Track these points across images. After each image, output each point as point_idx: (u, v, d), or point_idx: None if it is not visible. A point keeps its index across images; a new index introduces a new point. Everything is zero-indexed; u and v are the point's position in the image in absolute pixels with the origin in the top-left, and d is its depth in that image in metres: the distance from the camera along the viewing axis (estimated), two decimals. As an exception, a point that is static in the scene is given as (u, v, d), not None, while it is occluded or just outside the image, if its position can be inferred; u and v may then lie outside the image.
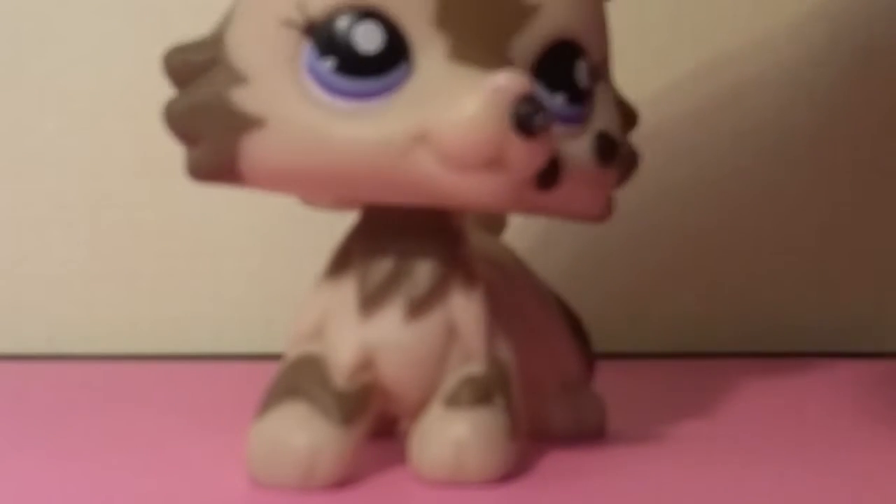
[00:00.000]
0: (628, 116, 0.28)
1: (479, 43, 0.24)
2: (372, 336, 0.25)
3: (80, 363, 0.46)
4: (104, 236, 0.50)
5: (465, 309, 0.25)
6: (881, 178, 0.52)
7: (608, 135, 0.26)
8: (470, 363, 0.25)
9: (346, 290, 0.25)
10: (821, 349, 0.51)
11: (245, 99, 0.24)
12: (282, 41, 0.24)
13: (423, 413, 0.25)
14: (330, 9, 0.24)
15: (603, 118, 0.26)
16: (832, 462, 0.28)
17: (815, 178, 0.52)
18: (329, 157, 0.24)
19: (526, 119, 0.22)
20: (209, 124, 0.24)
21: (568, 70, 0.25)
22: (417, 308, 0.25)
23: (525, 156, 0.23)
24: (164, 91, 0.25)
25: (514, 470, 0.25)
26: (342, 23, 0.23)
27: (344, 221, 0.27)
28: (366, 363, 0.25)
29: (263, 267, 0.50)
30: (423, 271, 0.25)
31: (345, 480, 0.24)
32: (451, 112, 0.23)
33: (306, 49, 0.24)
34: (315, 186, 0.25)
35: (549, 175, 0.24)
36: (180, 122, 0.25)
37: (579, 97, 0.25)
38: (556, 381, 0.30)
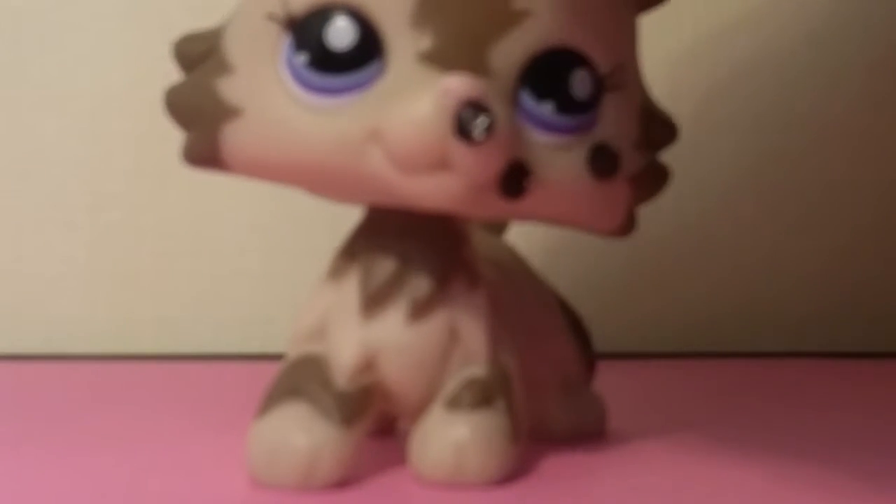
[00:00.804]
0: (663, 130, 0.27)
1: (455, 46, 0.23)
2: (373, 337, 0.25)
3: (80, 363, 0.46)
4: (104, 236, 0.50)
5: (466, 311, 0.25)
6: (882, 177, 0.52)
7: (608, 147, 0.25)
8: (471, 365, 0.25)
9: (348, 291, 0.25)
10: (821, 349, 0.51)
11: (228, 89, 0.24)
12: (265, 35, 0.24)
13: (424, 414, 0.25)
14: (309, 5, 0.24)
15: (610, 129, 0.25)
16: (832, 462, 0.28)
17: (816, 179, 0.52)
18: (296, 151, 0.24)
19: (467, 124, 0.22)
20: (198, 111, 0.25)
21: (562, 79, 0.25)
22: (419, 309, 0.25)
23: (471, 160, 0.23)
24: (170, 85, 0.26)
25: (515, 471, 0.25)
26: (317, 19, 0.24)
27: (345, 222, 0.27)
28: (367, 364, 0.25)
29: (263, 267, 0.50)
30: (426, 273, 0.25)
31: (345, 481, 0.24)
32: (399, 111, 0.23)
33: (286, 43, 0.24)
34: (286, 178, 0.25)
35: (513, 182, 0.24)
36: (176, 107, 0.25)
37: (573, 107, 0.25)
38: (556, 382, 0.30)
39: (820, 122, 0.52)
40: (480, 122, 0.22)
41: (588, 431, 0.30)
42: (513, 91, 0.24)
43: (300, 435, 0.24)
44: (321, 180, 0.25)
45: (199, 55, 0.25)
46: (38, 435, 0.30)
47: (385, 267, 0.25)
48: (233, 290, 0.50)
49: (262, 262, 0.50)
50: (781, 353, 0.50)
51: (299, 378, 0.25)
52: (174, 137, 0.26)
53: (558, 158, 0.24)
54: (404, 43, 0.23)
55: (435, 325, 0.25)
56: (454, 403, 0.25)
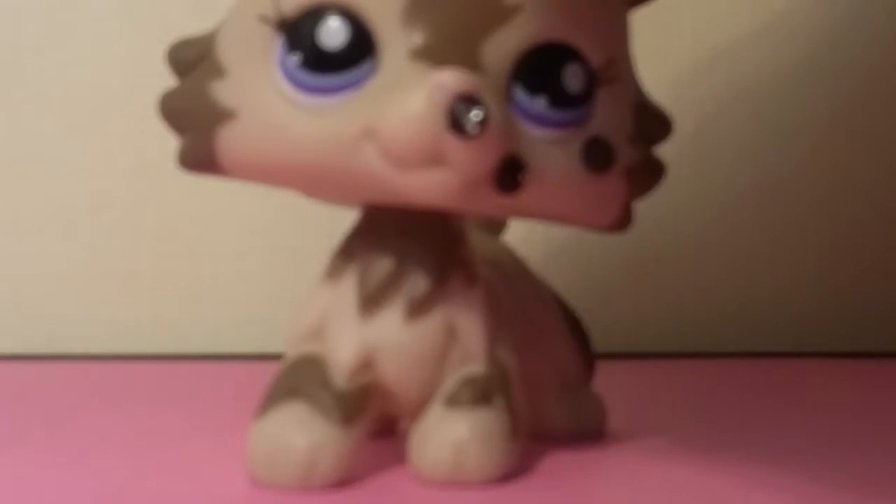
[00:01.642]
0: (657, 124, 0.27)
1: (446, 43, 0.23)
2: (372, 336, 0.25)
3: (80, 363, 0.46)
4: (104, 236, 0.50)
5: (465, 309, 0.25)
6: (883, 177, 0.52)
7: (602, 141, 0.25)
8: (470, 363, 0.25)
9: (347, 291, 0.25)
10: (820, 349, 0.51)
11: (222, 91, 0.25)
12: (258, 37, 0.24)
13: (423, 413, 0.25)
14: (301, 6, 0.24)
15: (604, 124, 0.25)
16: (832, 461, 0.28)
17: (817, 179, 0.52)
18: (291, 152, 0.24)
19: (460, 118, 0.22)
20: (192, 116, 0.25)
21: (554, 74, 0.25)
22: (417, 308, 0.25)
23: (466, 155, 0.23)
24: (164, 91, 0.26)
25: (514, 470, 0.25)
26: (309, 19, 0.24)
27: (344, 222, 0.27)
28: (366, 363, 0.25)
29: (263, 267, 0.50)
30: (423, 272, 0.25)
31: (345, 480, 0.24)
32: (392, 108, 0.23)
33: (279, 45, 0.24)
34: (282, 180, 0.25)
35: (508, 176, 0.24)
36: (170, 112, 0.26)
37: (566, 102, 0.25)
38: (556, 381, 0.30)
39: (818, 122, 0.52)
40: (474, 116, 0.22)
41: (588, 431, 0.30)
42: (505, 86, 0.24)
43: (300, 435, 0.24)
44: (316, 180, 0.25)
45: (193, 60, 0.25)
46: (39, 435, 0.30)
47: (382, 266, 0.25)
48: (233, 290, 0.50)
49: (262, 263, 0.50)
50: (781, 353, 0.51)
51: (298, 378, 0.25)
52: (174, 137, 0.26)
53: (553, 153, 0.24)
54: (396, 41, 0.23)
55: (433, 324, 0.25)
56: (453, 402, 0.25)
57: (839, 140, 0.52)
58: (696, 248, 0.52)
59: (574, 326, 0.31)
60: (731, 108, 0.52)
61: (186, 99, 0.25)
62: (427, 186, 0.23)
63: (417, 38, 0.23)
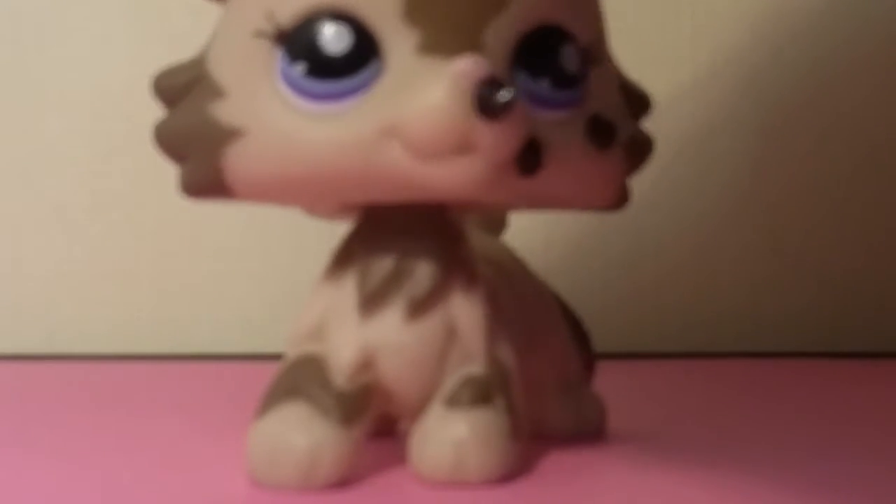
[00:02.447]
0: (639, 101, 0.28)
1: (449, 34, 0.23)
2: (372, 336, 0.25)
3: (80, 363, 0.46)
4: (104, 236, 0.50)
5: (465, 309, 0.25)
6: (882, 177, 0.52)
7: (603, 118, 0.25)
8: (470, 363, 0.25)
9: (347, 291, 0.25)
10: (821, 349, 0.51)
11: (224, 112, 0.24)
12: (255, 52, 0.24)
13: (424, 413, 0.25)
14: (297, 15, 0.24)
15: (600, 102, 0.26)
16: (832, 461, 0.28)
17: (817, 179, 0.52)
18: (306, 161, 0.24)
19: (488, 101, 0.22)
20: (193, 140, 0.25)
21: (552, 55, 0.25)
22: (418, 308, 0.25)
23: (493, 138, 0.23)
24: (157, 121, 0.26)
25: (514, 470, 0.25)
26: (309, 27, 0.24)
27: (344, 222, 0.27)
28: (366, 363, 0.25)
29: (263, 267, 0.50)
30: (424, 272, 0.25)
31: (345, 480, 0.24)
32: (414, 102, 0.23)
33: (279, 57, 0.24)
34: (298, 192, 0.25)
35: (530, 158, 0.24)
36: (168, 141, 0.25)
37: (567, 82, 0.25)
38: (556, 381, 0.30)
39: (820, 122, 0.52)
40: (501, 97, 0.22)
41: (588, 431, 0.30)
42: (509, 71, 0.24)
43: (300, 435, 0.24)
44: (332, 187, 0.24)
45: (183, 87, 0.25)
46: (39, 435, 0.30)
47: (383, 266, 0.25)
48: (233, 290, 0.50)
49: (262, 262, 0.50)
50: (781, 353, 0.51)
51: (299, 378, 0.25)
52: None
53: (561, 133, 0.25)
54: (398, 39, 0.23)
55: (433, 324, 0.25)
56: (453, 402, 0.25)
57: (839, 140, 0.52)
58: (696, 248, 0.52)
59: (574, 326, 0.31)
60: (731, 107, 0.52)
61: (185, 124, 0.25)
62: (454, 176, 0.23)
63: (421, 34, 0.23)
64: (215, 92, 0.25)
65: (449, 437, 0.24)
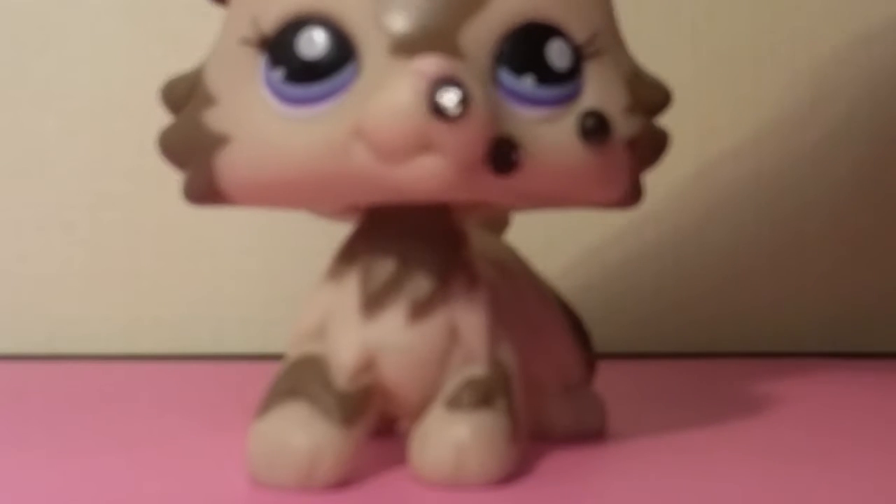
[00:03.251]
0: (653, 95, 0.27)
1: (424, 35, 0.23)
2: (374, 337, 0.25)
3: (80, 363, 0.46)
4: (104, 236, 0.50)
5: (467, 311, 0.25)
6: (882, 177, 0.52)
7: (596, 113, 0.25)
8: (471, 365, 0.25)
9: (349, 291, 0.25)
10: (821, 349, 0.51)
11: (214, 119, 0.25)
12: (242, 59, 0.25)
13: (424, 414, 0.25)
14: (278, 21, 0.24)
15: (596, 97, 0.25)
16: (831, 461, 0.28)
17: (816, 178, 0.52)
18: (284, 165, 0.24)
19: (444, 99, 0.22)
20: (189, 148, 0.25)
21: (537, 52, 0.24)
22: (420, 309, 0.25)
23: (454, 139, 0.23)
24: (161, 129, 0.26)
25: (515, 470, 0.25)
26: (288, 33, 0.24)
27: (344, 222, 0.27)
28: (367, 364, 0.25)
29: (263, 267, 0.50)
30: (426, 273, 0.25)
31: (345, 481, 0.24)
32: (374, 103, 0.23)
33: (262, 63, 0.24)
34: (285, 196, 0.25)
35: (502, 158, 0.23)
36: (169, 149, 0.26)
37: (554, 79, 0.25)
38: (556, 382, 0.30)
39: (820, 123, 0.52)
40: (452, 97, 0.22)
41: (588, 431, 0.30)
42: (491, 70, 0.24)
43: (300, 435, 0.24)
44: (313, 190, 0.25)
45: (184, 95, 0.25)
46: (39, 435, 0.30)
47: (385, 267, 0.25)
48: (233, 290, 0.50)
49: (262, 262, 0.50)
50: (781, 353, 0.50)
51: (299, 378, 0.25)
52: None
53: (547, 131, 0.24)
54: (375, 40, 0.23)
55: (435, 326, 0.25)
56: (454, 403, 0.25)
57: (840, 139, 0.52)
58: (697, 249, 0.52)
59: (575, 326, 0.31)
60: (731, 107, 0.52)
61: (181, 132, 0.25)
62: (420, 176, 0.23)
63: (394, 34, 0.23)
64: (208, 99, 0.25)
65: (450, 438, 0.24)
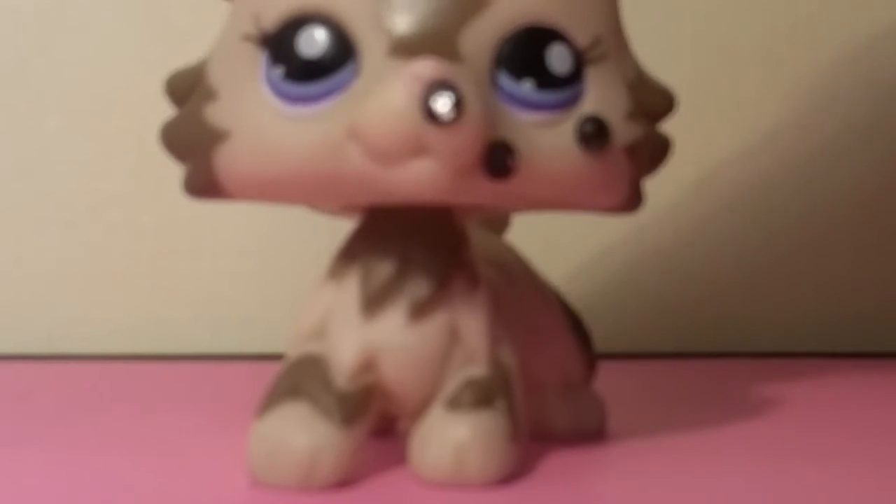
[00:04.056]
0: (660, 100, 0.27)
1: (423, 37, 0.23)
2: (374, 337, 0.25)
3: (80, 363, 0.46)
4: (104, 236, 0.50)
5: (467, 311, 0.25)
6: (882, 178, 0.52)
7: (595, 119, 0.25)
8: (472, 365, 0.25)
9: (349, 291, 0.25)
10: (821, 349, 0.51)
11: (215, 114, 0.25)
12: (244, 55, 0.25)
13: (424, 414, 0.25)
14: (279, 19, 0.24)
15: (597, 103, 0.25)
16: (832, 461, 0.28)
17: (815, 178, 0.52)
18: (282, 163, 0.24)
19: (438, 103, 0.22)
20: (189, 142, 0.25)
21: (537, 56, 0.24)
22: (420, 310, 0.25)
23: (447, 143, 0.23)
24: (164, 122, 0.26)
25: (515, 470, 0.25)
26: (289, 31, 0.24)
27: (344, 222, 0.27)
28: (368, 364, 0.25)
29: (263, 267, 0.50)
30: (426, 273, 0.25)
31: (345, 481, 0.24)
32: (369, 105, 0.23)
33: (263, 60, 0.24)
34: (283, 193, 0.25)
35: (498, 162, 0.23)
36: (171, 142, 0.26)
37: (554, 83, 0.24)
38: (556, 382, 0.30)
39: (821, 124, 0.52)
40: (446, 102, 0.22)
41: (588, 431, 0.30)
42: (490, 74, 0.24)
43: (300, 435, 0.24)
44: (311, 189, 0.25)
45: (188, 88, 0.26)
46: (39, 435, 0.30)
47: (385, 267, 0.25)
48: (233, 291, 0.50)
49: (262, 263, 0.50)
50: (781, 353, 0.50)
51: (300, 378, 0.25)
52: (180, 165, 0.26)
53: (545, 136, 0.24)
54: (374, 41, 0.23)
55: (435, 326, 0.25)
56: (454, 404, 0.25)
57: (840, 139, 0.52)
58: (697, 248, 0.52)
59: (575, 326, 0.31)
60: (731, 107, 0.52)
61: (183, 126, 0.25)
62: (414, 179, 0.23)
63: (394, 35, 0.23)
64: (209, 94, 0.25)
65: (450, 439, 0.24)
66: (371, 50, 0.23)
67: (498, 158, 0.23)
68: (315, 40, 0.24)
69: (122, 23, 0.50)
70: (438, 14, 0.24)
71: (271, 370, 0.26)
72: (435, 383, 0.25)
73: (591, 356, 0.31)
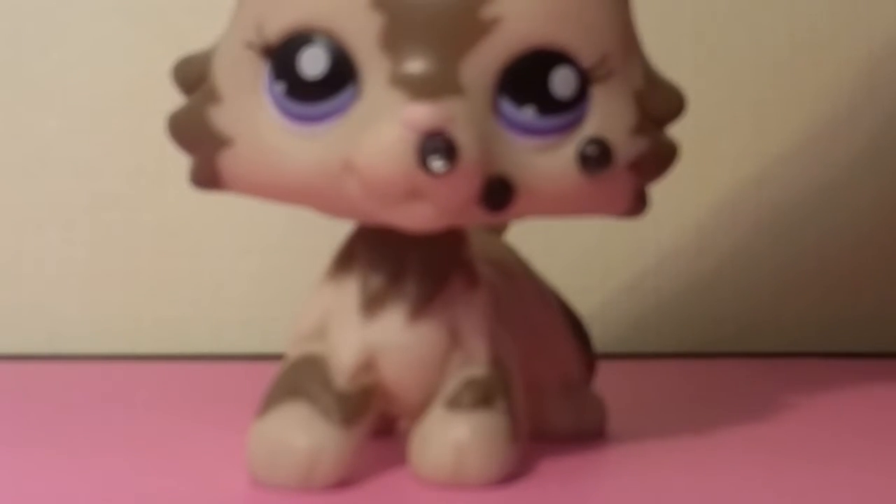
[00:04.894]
0: (669, 104, 0.26)
1: (425, 65, 0.23)
2: (374, 337, 0.25)
3: (80, 363, 0.46)
4: (104, 236, 0.50)
5: (467, 312, 0.25)
6: (883, 178, 0.52)
7: (597, 141, 0.24)
8: (471, 365, 0.25)
9: (349, 291, 0.25)
10: (821, 349, 0.51)
11: (219, 118, 0.25)
12: (247, 62, 0.25)
13: (424, 415, 0.25)
14: (282, 32, 0.24)
15: (600, 123, 0.25)
16: (831, 462, 0.28)
17: (815, 178, 0.52)
18: (283, 177, 0.24)
19: (432, 157, 0.22)
20: (195, 139, 0.25)
21: (540, 81, 0.24)
22: (419, 310, 0.25)
23: (440, 191, 0.23)
24: (164, 92, 0.26)
25: (515, 470, 0.25)
26: (290, 47, 0.24)
27: (345, 223, 0.27)
28: (367, 364, 0.25)
29: (263, 267, 0.50)
30: (426, 273, 0.25)
31: (345, 481, 0.24)
32: (365, 142, 0.23)
33: (265, 71, 0.24)
34: (284, 200, 0.25)
35: (495, 196, 0.23)
36: (178, 133, 0.26)
37: (556, 108, 0.24)
38: (556, 382, 0.30)
39: (821, 123, 0.52)
40: (440, 163, 0.22)
41: (588, 431, 0.30)
42: (491, 101, 0.24)
43: (300, 435, 0.24)
44: (313, 203, 0.25)
45: (196, 78, 0.25)
46: (39, 435, 0.30)
47: (385, 268, 0.25)
48: (233, 290, 0.50)
49: (262, 263, 0.50)
50: (781, 353, 0.50)
51: (299, 378, 0.25)
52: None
53: (545, 160, 0.24)
54: (376, 66, 0.23)
55: (435, 326, 0.25)
56: (454, 404, 0.25)
57: (840, 138, 0.52)
58: (696, 248, 0.52)
59: (575, 327, 0.31)
60: (731, 107, 0.52)
61: (189, 123, 0.25)
62: (410, 218, 0.23)
63: (395, 64, 0.23)
64: (213, 96, 0.25)
65: (450, 439, 0.24)
66: (372, 75, 0.23)
67: (495, 194, 0.23)
68: (317, 60, 0.24)
69: (122, 23, 0.50)
70: (441, 43, 0.23)
71: (271, 370, 0.26)
72: (434, 383, 0.25)
73: (590, 356, 0.31)
